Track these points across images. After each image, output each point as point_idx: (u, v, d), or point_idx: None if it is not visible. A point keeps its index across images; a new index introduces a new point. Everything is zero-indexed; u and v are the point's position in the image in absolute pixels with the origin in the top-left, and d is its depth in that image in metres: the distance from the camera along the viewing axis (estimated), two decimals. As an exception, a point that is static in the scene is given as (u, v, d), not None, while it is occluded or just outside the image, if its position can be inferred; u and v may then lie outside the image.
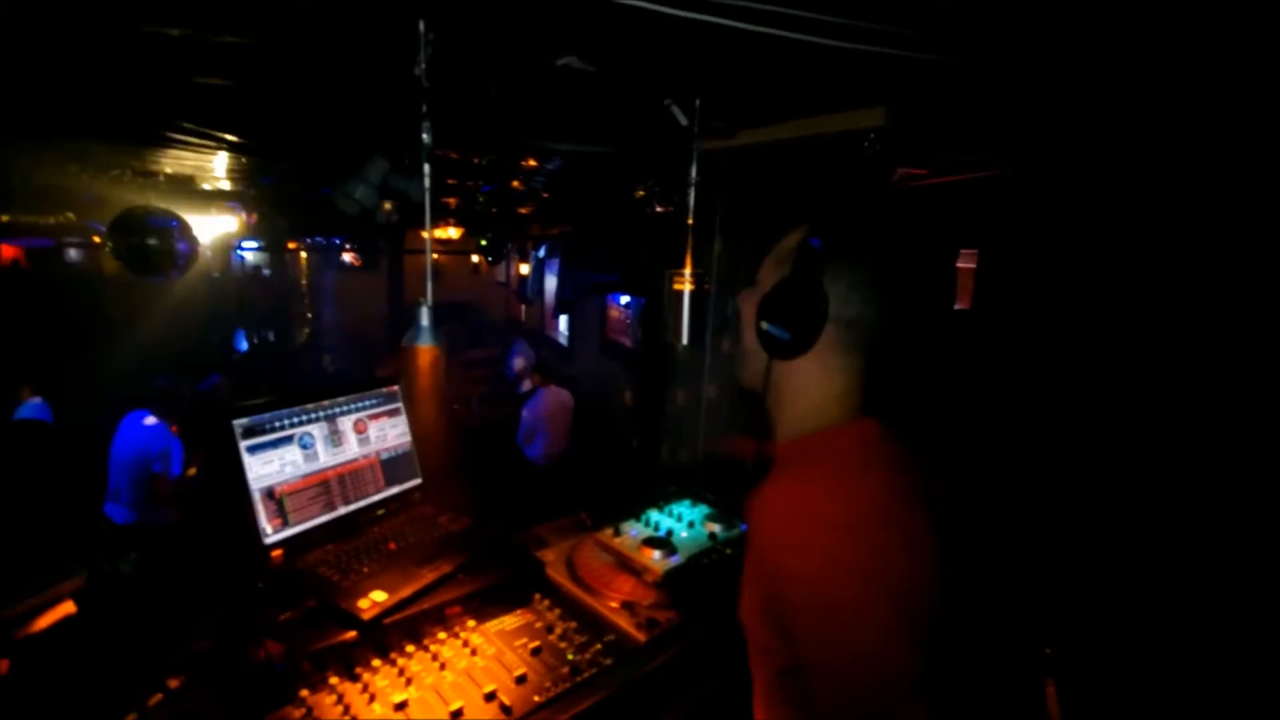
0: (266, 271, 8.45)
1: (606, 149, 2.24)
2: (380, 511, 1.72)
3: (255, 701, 1.20)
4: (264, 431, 1.51)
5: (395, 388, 1.82)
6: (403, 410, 1.82)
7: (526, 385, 4.90)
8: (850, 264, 0.94)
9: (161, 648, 1.27)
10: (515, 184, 3.65)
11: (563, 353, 5.69)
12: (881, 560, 0.84)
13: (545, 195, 3.83)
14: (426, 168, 1.21)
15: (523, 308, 6.92)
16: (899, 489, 0.92)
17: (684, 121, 1.61)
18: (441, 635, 1.42)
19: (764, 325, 0.95)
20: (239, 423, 1.48)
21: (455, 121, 1.89)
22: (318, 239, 7.24)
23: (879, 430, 0.99)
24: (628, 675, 1.37)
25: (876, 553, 0.84)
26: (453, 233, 6.38)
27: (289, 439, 1.56)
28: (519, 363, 4.96)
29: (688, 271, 1.64)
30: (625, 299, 5.16)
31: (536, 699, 1.27)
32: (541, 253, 5.52)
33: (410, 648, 1.37)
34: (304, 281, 8.95)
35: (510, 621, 1.49)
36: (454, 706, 1.22)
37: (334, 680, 1.28)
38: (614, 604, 1.54)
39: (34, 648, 1.18)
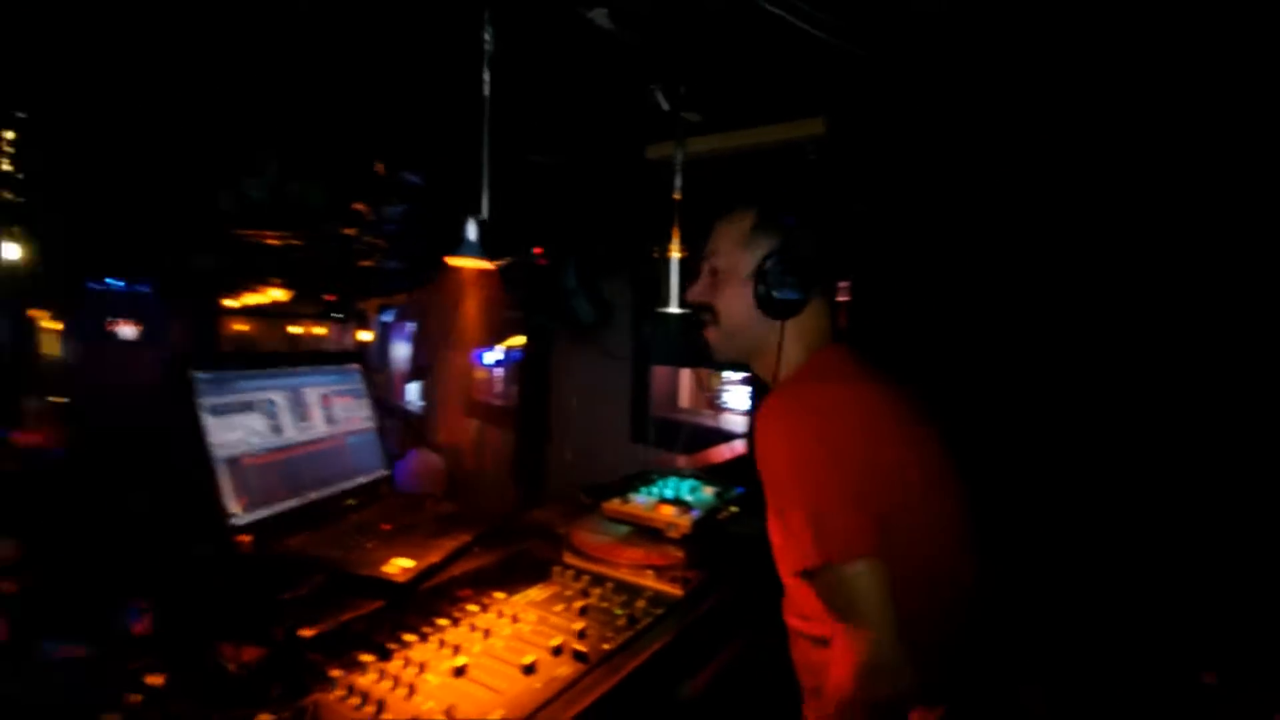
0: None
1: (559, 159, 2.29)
2: (350, 501, 1.47)
3: (266, 690, 0.95)
4: (225, 390, 1.26)
5: (357, 366, 1.62)
6: (365, 393, 1.62)
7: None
8: (813, 232, 1.09)
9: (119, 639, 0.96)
10: (360, 207, 3.13)
11: (415, 422, 5.26)
12: (849, 440, 0.93)
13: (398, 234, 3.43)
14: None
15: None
16: (889, 391, 1.02)
17: (666, 106, 1.74)
18: (472, 608, 1.25)
19: (775, 294, 1.04)
20: (201, 375, 1.22)
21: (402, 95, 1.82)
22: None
23: (856, 353, 1.09)
24: (682, 622, 1.30)
25: (848, 434, 0.93)
26: (276, 294, 5.68)
27: (250, 404, 1.31)
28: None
29: (676, 242, 1.72)
30: (493, 357, 5.00)
31: (606, 646, 1.17)
32: (388, 316, 5.20)
33: (443, 621, 1.18)
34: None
35: (538, 593, 1.35)
36: (526, 660, 1.06)
37: (366, 658, 1.05)
38: (635, 570, 1.46)
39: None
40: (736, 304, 1.08)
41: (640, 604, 1.32)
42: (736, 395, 3.38)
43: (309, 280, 5.18)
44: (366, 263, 4.47)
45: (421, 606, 1.21)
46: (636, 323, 3.25)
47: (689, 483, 1.76)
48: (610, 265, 2.91)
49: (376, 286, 4.92)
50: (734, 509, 1.64)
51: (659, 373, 3.59)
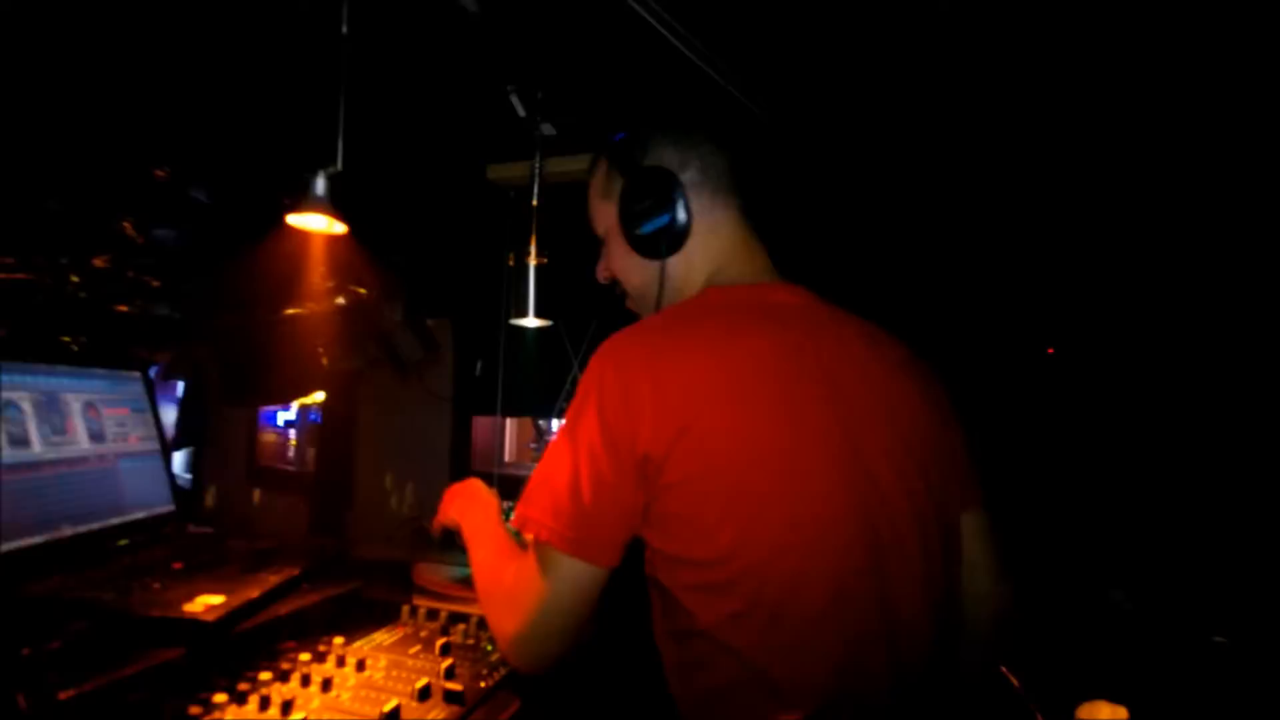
0: None
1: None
2: (123, 542, 1.12)
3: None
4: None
5: (138, 374, 1.29)
6: (148, 407, 1.28)
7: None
8: (662, 134, 0.90)
9: None
10: (128, 226, 2.48)
11: (184, 497, 4.26)
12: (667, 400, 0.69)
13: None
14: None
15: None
16: (791, 345, 0.76)
17: (522, 113, 1.69)
18: (304, 657, 0.98)
19: (642, 230, 0.85)
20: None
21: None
22: None
23: (799, 295, 0.85)
24: (565, 650, 1.15)
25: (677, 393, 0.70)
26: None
27: (-17, 407, 0.96)
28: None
29: (534, 249, 1.65)
30: (286, 418, 4.35)
31: (483, 684, 0.98)
32: (150, 373, 4.31)
33: (265, 675, 0.91)
34: None
35: (385, 637, 1.12)
36: (386, 708, 0.85)
37: (157, 729, 0.77)
38: None
39: None
40: (627, 263, 0.91)
41: (515, 635, 1.15)
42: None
43: (40, 332, 4.17)
44: (124, 308, 3.71)
45: (233, 660, 0.93)
46: (459, 363, 3.04)
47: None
48: (435, 297, 2.70)
49: (138, 338, 4.03)
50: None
51: (481, 423, 3.37)
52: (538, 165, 1.69)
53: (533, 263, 1.63)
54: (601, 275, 0.98)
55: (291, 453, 4.51)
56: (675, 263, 0.87)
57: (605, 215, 0.93)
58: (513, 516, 0.77)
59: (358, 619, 1.16)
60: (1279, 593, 2.12)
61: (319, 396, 3.90)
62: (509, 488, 3.07)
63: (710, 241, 0.88)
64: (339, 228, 1.04)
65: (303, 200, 0.99)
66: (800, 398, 0.73)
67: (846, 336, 0.81)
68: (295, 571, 1.08)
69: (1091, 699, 2.04)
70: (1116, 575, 2.43)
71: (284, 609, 1.03)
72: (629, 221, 0.87)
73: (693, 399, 0.69)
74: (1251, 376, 2.43)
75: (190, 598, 0.91)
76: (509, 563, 0.82)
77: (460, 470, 3.33)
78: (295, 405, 4.20)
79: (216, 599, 0.91)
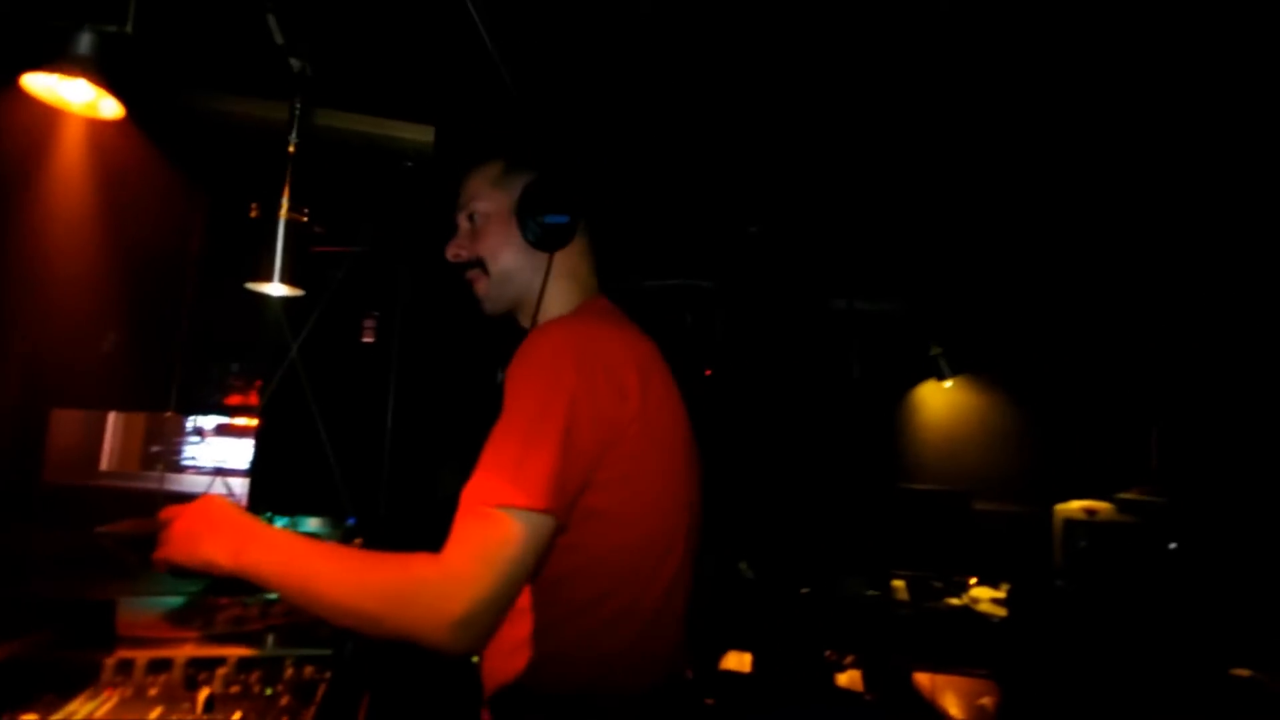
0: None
1: None
2: None
3: None
4: None
5: None
6: None
7: None
8: (564, 150, 1.20)
9: None
10: None
11: None
12: (604, 392, 0.81)
13: None
14: None
15: None
16: (649, 349, 0.95)
17: (280, 39, 1.40)
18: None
19: (544, 220, 0.97)
20: None
21: None
22: None
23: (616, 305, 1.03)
24: (367, 666, 0.97)
25: (610, 385, 0.82)
26: None
27: None
28: None
29: (285, 200, 1.35)
30: None
31: None
32: None
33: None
34: None
35: (94, 708, 0.78)
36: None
37: None
38: (250, 638, 1.01)
39: None
40: (503, 245, 1.00)
41: (303, 670, 0.91)
42: (213, 449, 2.64)
43: None
44: None
45: None
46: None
47: (281, 519, 1.32)
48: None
49: None
50: (359, 540, 1.31)
51: (69, 419, 2.48)
52: (297, 105, 1.40)
53: (283, 218, 1.32)
54: (458, 253, 1.03)
55: None
56: (557, 259, 0.99)
57: (494, 200, 1.01)
58: (464, 492, 0.73)
59: (36, 687, 0.77)
60: (840, 556, 2.97)
61: None
62: (117, 505, 2.37)
63: (577, 259, 1.03)
64: (111, 108, 0.70)
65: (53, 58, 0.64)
66: (673, 393, 0.94)
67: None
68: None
69: (728, 650, 2.50)
70: (743, 552, 3.04)
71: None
72: (530, 211, 0.96)
73: (648, 383, 0.86)
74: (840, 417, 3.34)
75: None
76: (391, 558, 0.73)
77: (26, 482, 2.39)
78: None
79: None
